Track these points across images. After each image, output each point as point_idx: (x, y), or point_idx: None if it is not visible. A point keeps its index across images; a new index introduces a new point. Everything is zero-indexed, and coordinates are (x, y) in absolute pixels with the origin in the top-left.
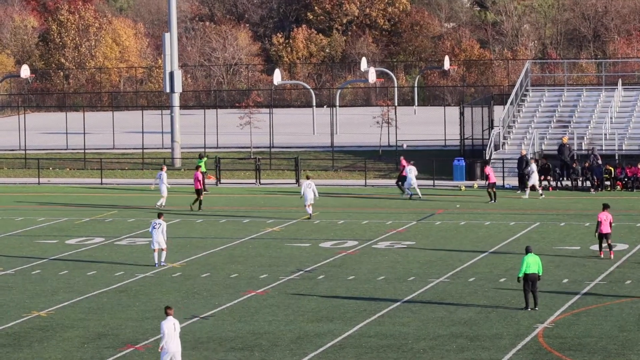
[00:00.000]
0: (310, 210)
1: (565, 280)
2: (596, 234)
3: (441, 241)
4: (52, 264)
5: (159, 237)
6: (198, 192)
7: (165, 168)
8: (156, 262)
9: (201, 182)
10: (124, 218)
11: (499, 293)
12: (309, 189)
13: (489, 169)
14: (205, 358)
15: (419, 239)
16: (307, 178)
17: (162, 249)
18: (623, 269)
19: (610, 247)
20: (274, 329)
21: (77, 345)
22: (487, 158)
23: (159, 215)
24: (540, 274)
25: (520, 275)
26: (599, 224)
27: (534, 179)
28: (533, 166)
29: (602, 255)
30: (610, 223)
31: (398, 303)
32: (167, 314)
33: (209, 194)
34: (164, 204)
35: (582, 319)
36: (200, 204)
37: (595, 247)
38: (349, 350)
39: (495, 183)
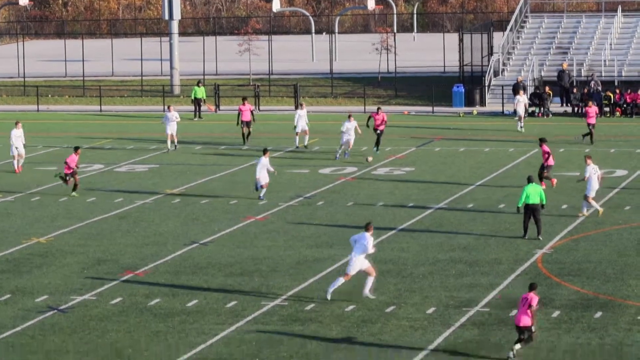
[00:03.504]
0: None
1: (564, 206)
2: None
3: (440, 167)
4: (51, 191)
5: (258, 173)
6: (247, 124)
7: (172, 108)
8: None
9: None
10: (123, 145)
11: (498, 219)
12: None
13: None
14: (204, 283)
15: (418, 165)
16: (301, 106)
17: (261, 185)
18: (622, 194)
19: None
20: (273, 254)
21: (76, 271)
22: (486, 84)
23: (264, 152)
24: (544, 203)
25: (520, 205)
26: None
27: (521, 110)
28: (519, 97)
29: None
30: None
31: (397, 229)
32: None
33: (205, 121)
34: (170, 148)
35: (581, 245)
36: (244, 137)
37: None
38: None
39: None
